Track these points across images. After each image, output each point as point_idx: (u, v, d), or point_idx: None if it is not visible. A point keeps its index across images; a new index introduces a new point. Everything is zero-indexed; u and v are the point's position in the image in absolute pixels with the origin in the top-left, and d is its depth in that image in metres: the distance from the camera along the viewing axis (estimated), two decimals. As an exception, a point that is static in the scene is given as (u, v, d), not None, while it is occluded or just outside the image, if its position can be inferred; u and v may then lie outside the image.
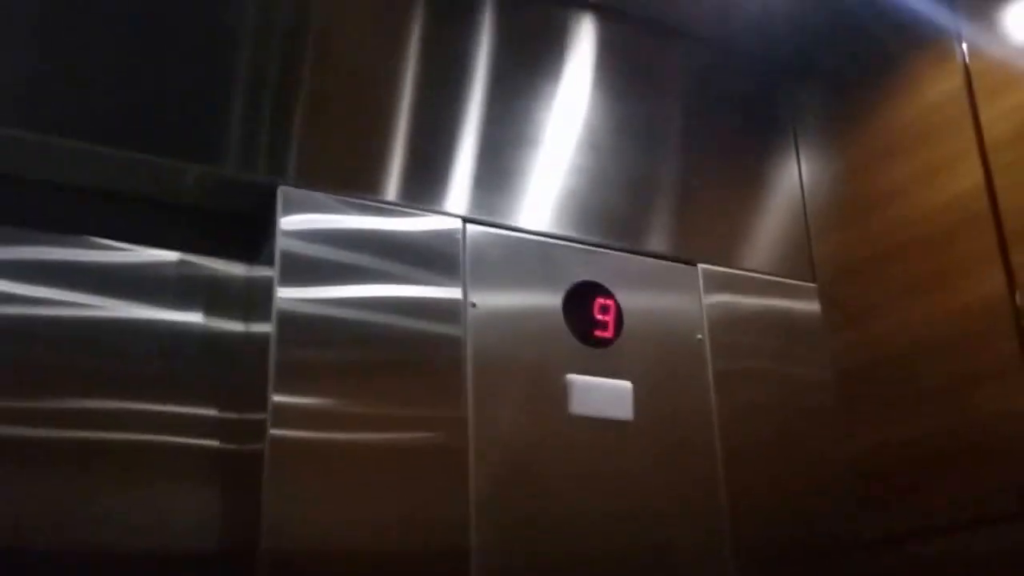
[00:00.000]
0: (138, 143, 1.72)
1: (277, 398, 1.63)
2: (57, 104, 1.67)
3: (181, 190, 1.83)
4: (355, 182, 1.86)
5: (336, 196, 1.82)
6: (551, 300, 1.96)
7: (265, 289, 1.74)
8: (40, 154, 1.70)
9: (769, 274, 2.26)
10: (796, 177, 2.40)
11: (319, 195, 1.80)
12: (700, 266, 2.16)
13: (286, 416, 1.64)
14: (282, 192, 1.76)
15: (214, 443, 1.77)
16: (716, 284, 2.16)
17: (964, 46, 2.06)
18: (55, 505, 1.62)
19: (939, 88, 2.10)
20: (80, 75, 1.70)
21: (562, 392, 1.89)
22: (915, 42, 2.16)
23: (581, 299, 1.98)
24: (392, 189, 1.89)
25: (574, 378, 1.91)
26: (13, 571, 1.57)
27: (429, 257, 1.86)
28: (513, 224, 1.98)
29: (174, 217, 1.86)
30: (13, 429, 1.63)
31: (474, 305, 1.86)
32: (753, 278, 2.23)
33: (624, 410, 1.94)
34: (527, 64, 2.13)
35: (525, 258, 1.97)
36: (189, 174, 1.78)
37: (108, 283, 1.77)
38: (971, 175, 2.00)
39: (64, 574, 1.60)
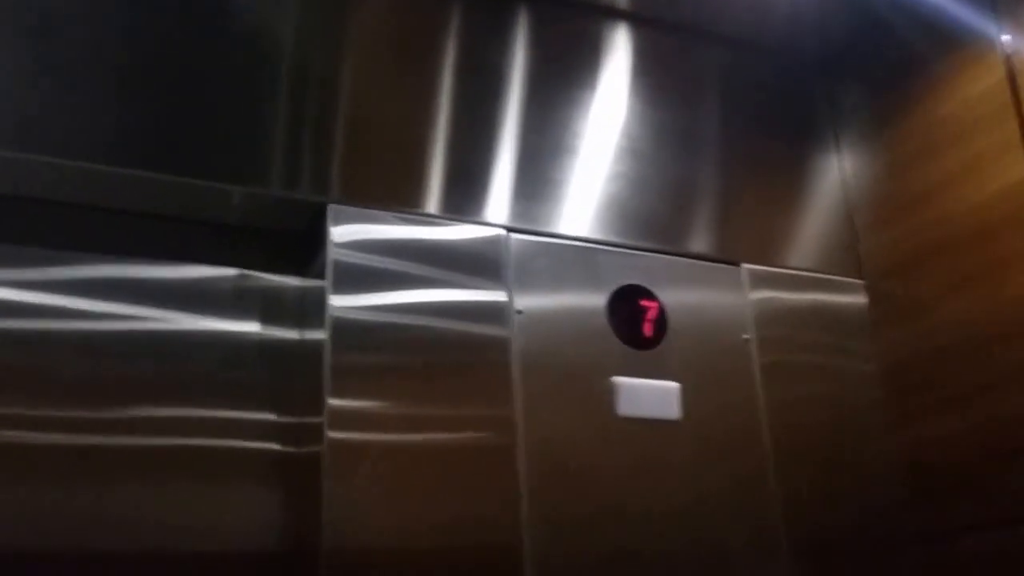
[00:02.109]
0: (183, 168, 1.78)
1: (333, 402, 1.69)
2: (102, 133, 1.74)
3: (228, 211, 1.89)
4: (399, 197, 1.90)
5: (381, 211, 1.87)
6: (595, 304, 1.98)
7: (318, 298, 1.80)
8: (88, 181, 1.76)
9: (815, 271, 2.26)
10: (838, 175, 2.40)
11: (365, 212, 1.85)
12: (744, 266, 2.17)
13: (342, 419, 1.69)
14: (331, 210, 1.82)
15: (274, 446, 1.82)
16: (761, 283, 2.17)
17: (1005, 39, 2.05)
18: (123, 508, 1.68)
19: (980, 82, 2.09)
20: (122, 105, 1.77)
21: (609, 394, 1.92)
22: (955, 36, 2.15)
23: (625, 302, 2.01)
24: (436, 202, 1.93)
25: (620, 380, 1.93)
26: (81, 573, 1.64)
27: (474, 263, 1.90)
28: (555, 231, 2.02)
29: (226, 236, 1.92)
30: (83, 437, 1.70)
31: (520, 312, 1.90)
32: (799, 276, 2.24)
33: (671, 410, 1.96)
34: (564, 75, 2.16)
35: (568, 264, 2.00)
36: (234, 196, 1.84)
37: (170, 298, 1.83)
38: (1015, 168, 1.99)
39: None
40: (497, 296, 1.89)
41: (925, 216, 2.18)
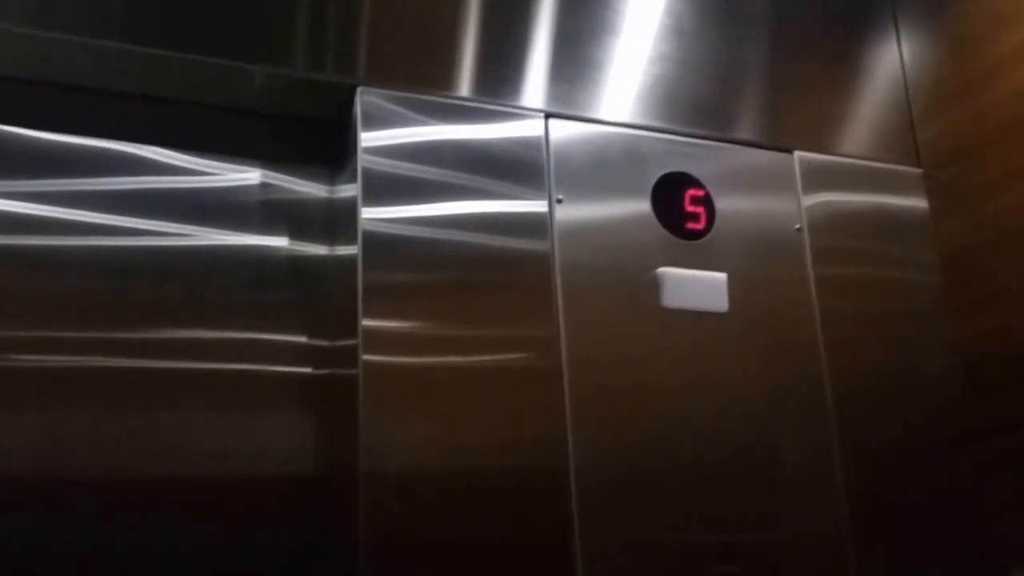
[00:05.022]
0: (202, 46, 1.67)
1: (367, 323, 1.60)
2: (115, 7, 1.63)
3: (251, 95, 1.78)
4: (430, 79, 1.79)
5: (411, 95, 1.75)
6: (640, 193, 1.88)
7: (348, 210, 1.70)
8: (101, 60, 1.66)
9: (870, 159, 2.15)
10: (896, 57, 2.26)
11: (395, 95, 1.73)
12: (796, 153, 2.06)
13: (377, 341, 1.60)
14: (360, 94, 1.71)
15: (306, 370, 1.75)
16: (814, 172, 2.06)
17: None
18: (151, 435, 1.62)
19: (1057, -56, 1.95)
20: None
21: (654, 286, 1.83)
22: None
23: (671, 191, 1.91)
24: (470, 85, 1.82)
25: (666, 270, 1.84)
26: (115, 499, 1.59)
27: (513, 166, 1.79)
28: (597, 116, 1.90)
29: (250, 125, 1.82)
30: (108, 360, 1.63)
31: (560, 200, 1.81)
32: (854, 164, 2.12)
33: (719, 302, 1.87)
34: (605, -51, 2.01)
35: (611, 151, 1.89)
36: (256, 76, 1.73)
37: (193, 210, 1.74)
38: (1089, 42, 1.86)
39: (161, 502, 1.61)
40: (538, 207, 1.79)
41: (988, 98, 2.05)
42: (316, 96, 1.77)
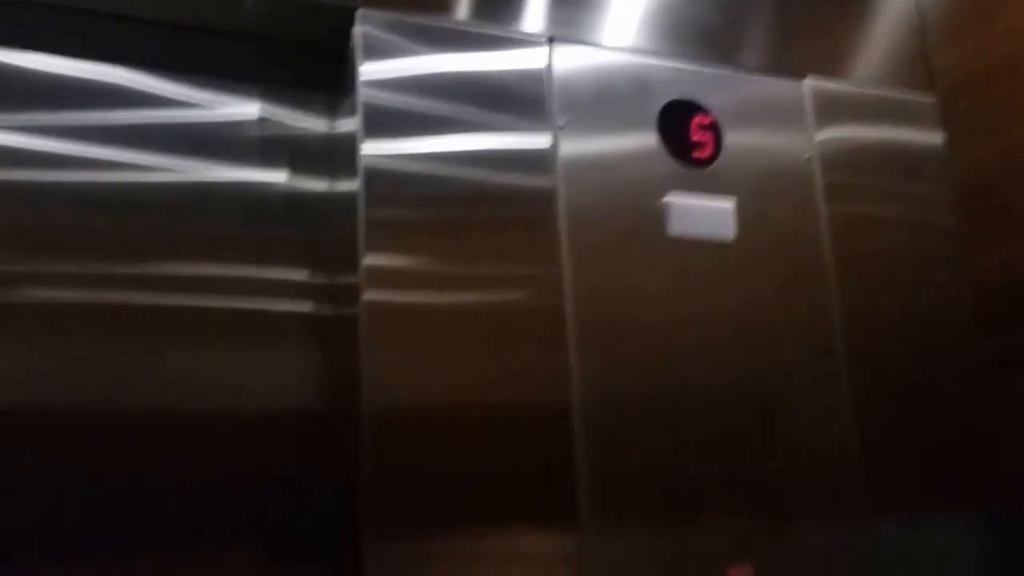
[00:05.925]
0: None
1: (368, 260, 1.58)
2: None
3: (244, 16, 1.72)
4: (430, 1, 1.73)
5: (411, 17, 1.70)
6: (645, 121, 1.84)
7: (349, 145, 1.66)
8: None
9: (884, 87, 2.10)
10: (911, -22, 2.22)
11: (394, 19, 1.68)
12: (807, 80, 2.01)
13: (378, 278, 1.57)
14: (360, 17, 1.66)
15: (306, 307, 1.74)
16: (825, 99, 2.01)
17: None
18: (150, 370, 1.61)
19: None
20: None
21: (660, 216, 1.80)
22: None
23: (677, 118, 1.86)
24: (471, 7, 1.76)
25: (672, 198, 1.81)
26: (115, 437, 1.58)
27: (516, 96, 1.74)
28: (602, 41, 1.86)
29: (248, 52, 1.78)
30: (108, 295, 1.62)
31: (562, 127, 1.77)
32: (866, 93, 2.07)
33: (726, 229, 1.84)
34: None
35: (616, 79, 1.84)
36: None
37: (192, 145, 1.71)
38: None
39: (160, 438, 1.60)
40: (542, 141, 1.75)
41: (1006, 24, 2.00)
42: (312, 18, 1.72)
